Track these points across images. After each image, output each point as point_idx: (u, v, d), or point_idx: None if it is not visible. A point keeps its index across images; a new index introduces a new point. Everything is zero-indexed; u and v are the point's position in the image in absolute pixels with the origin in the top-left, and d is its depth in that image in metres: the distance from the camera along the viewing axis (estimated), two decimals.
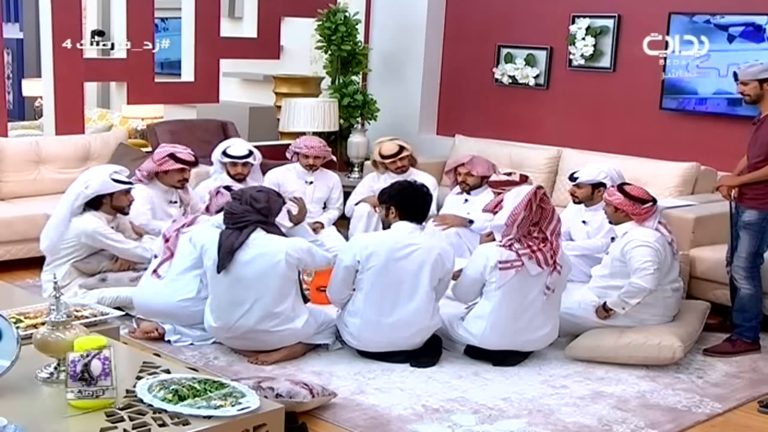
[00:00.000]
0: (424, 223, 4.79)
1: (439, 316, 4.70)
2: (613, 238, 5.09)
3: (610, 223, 5.05)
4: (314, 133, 7.13)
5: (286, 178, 6.42)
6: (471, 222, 6.05)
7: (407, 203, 4.72)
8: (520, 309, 4.56)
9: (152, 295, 4.83)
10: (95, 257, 5.29)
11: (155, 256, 5.00)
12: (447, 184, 6.63)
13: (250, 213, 4.55)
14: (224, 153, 6.06)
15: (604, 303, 4.79)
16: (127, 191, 5.31)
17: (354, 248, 4.65)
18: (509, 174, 6.06)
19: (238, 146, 6.15)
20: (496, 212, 4.71)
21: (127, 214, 5.41)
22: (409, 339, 4.59)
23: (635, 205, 4.85)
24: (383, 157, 6.47)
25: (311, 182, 6.46)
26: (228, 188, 5.08)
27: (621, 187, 4.96)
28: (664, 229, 4.90)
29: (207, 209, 5.04)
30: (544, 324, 4.64)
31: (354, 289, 4.66)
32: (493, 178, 6.11)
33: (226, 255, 4.47)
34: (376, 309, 4.55)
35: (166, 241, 4.94)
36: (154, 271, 4.90)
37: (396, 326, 4.54)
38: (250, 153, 6.09)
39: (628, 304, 4.71)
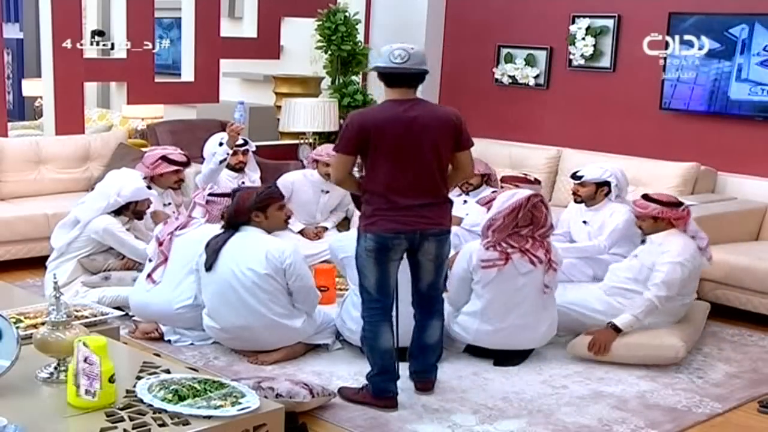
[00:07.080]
0: None
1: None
2: (643, 241, 4.97)
3: (645, 234, 4.89)
4: (314, 133, 7.14)
5: (300, 185, 6.32)
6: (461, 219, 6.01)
7: None
8: (510, 306, 4.55)
9: (149, 300, 4.81)
10: (102, 254, 5.31)
11: (150, 260, 4.96)
12: None
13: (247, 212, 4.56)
14: (221, 145, 6.08)
15: (614, 325, 4.63)
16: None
17: (333, 248, 4.81)
18: (525, 175, 6.06)
19: None
20: (488, 208, 4.70)
21: (141, 219, 5.47)
22: (409, 333, 4.56)
23: (674, 209, 4.77)
24: None
25: (327, 192, 6.36)
26: (213, 194, 5.03)
27: (647, 197, 4.86)
28: (701, 232, 4.82)
29: (208, 219, 4.96)
30: (541, 322, 4.63)
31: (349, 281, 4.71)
32: (507, 173, 6.12)
33: (212, 254, 4.49)
34: None
35: (160, 244, 4.88)
36: (149, 275, 4.86)
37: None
38: (246, 141, 6.35)
39: (641, 322, 4.65)
